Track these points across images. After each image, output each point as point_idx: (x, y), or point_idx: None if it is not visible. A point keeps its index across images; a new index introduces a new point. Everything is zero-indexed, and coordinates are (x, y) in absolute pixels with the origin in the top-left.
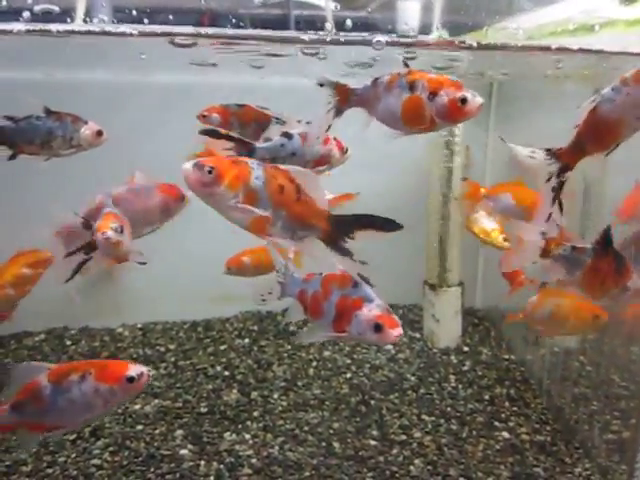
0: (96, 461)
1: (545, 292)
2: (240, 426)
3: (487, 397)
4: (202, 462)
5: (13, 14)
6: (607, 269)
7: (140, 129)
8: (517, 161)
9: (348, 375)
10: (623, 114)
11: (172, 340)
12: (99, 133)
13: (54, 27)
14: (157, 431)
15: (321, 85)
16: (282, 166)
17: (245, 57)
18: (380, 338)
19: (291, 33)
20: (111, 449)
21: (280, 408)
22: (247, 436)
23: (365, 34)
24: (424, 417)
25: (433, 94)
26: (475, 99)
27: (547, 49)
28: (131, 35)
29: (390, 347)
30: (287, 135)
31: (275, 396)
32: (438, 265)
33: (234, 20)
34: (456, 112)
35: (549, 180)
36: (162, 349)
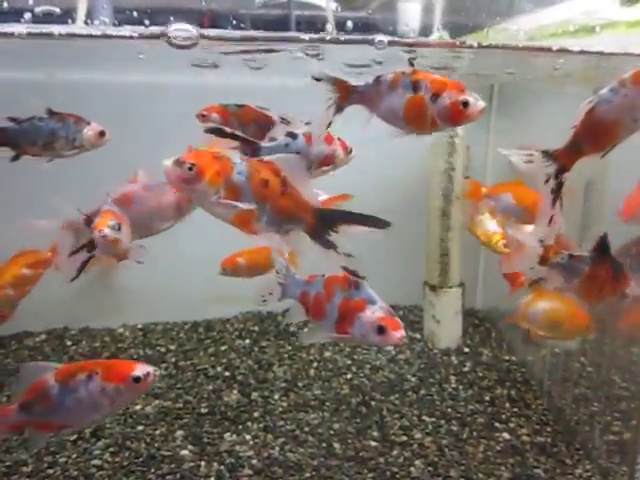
0: (97, 461)
1: (538, 293)
2: (240, 427)
3: (488, 398)
4: (202, 463)
5: (14, 14)
6: (605, 276)
7: (141, 129)
8: (516, 167)
9: (349, 376)
10: (620, 115)
11: (173, 340)
12: (102, 134)
13: (55, 29)
14: (157, 432)
15: (318, 80)
16: (267, 157)
17: (245, 57)
18: (383, 340)
19: (291, 34)
20: (112, 450)
21: (281, 409)
22: (247, 437)
23: (366, 35)
24: (425, 418)
25: (435, 95)
26: (477, 103)
27: (548, 50)
28: (131, 38)
29: (390, 348)
30: (292, 135)
31: (276, 397)
32: (439, 266)
33: (234, 21)
34: (457, 115)
35: (547, 182)
36: (163, 349)
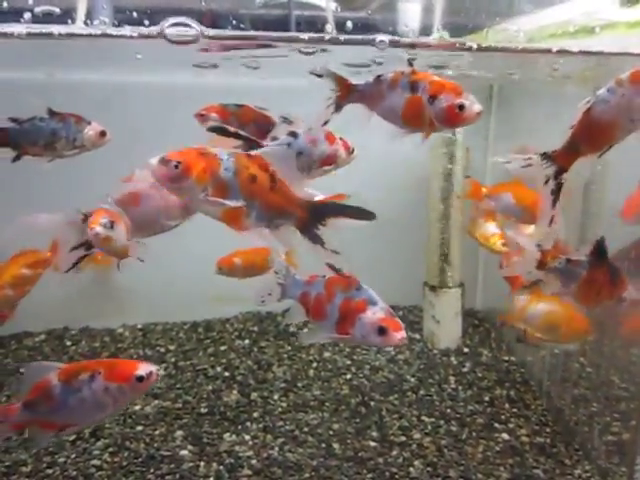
0: (96, 462)
1: (534, 294)
2: (240, 427)
3: (487, 398)
4: (202, 463)
5: (14, 14)
6: (602, 281)
7: (141, 129)
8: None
9: (348, 376)
10: (617, 115)
11: (172, 341)
12: (102, 134)
13: (55, 29)
14: (157, 432)
15: (319, 76)
16: (255, 152)
17: (245, 57)
18: (384, 341)
19: (292, 34)
20: (111, 450)
21: (280, 409)
22: (247, 437)
23: (366, 35)
24: (424, 418)
25: (433, 97)
26: (473, 106)
27: (547, 51)
28: (131, 37)
29: (390, 348)
30: (293, 134)
31: (275, 397)
32: (438, 266)
33: (234, 21)
34: (454, 117)
35: (547, 183)
36: (162, 350)
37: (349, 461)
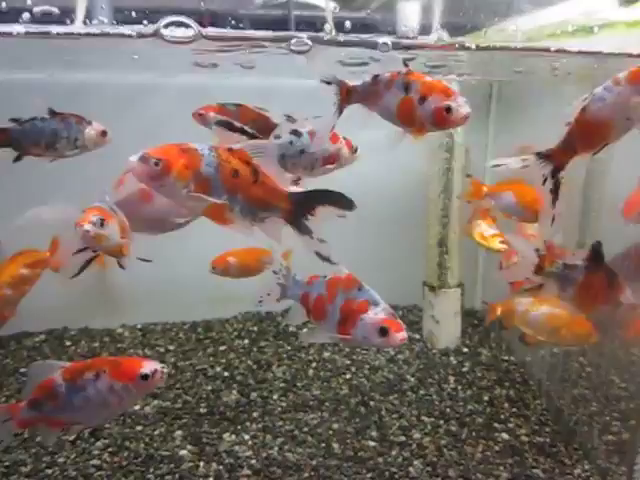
0: (95, 462)
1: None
2: (239, 427)
3: (486, 398)
4: (201, 463)
5: (13, 14)
6: (599, 285)
7: (141, 128)
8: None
9: (347, 376)
10: (613, 114)
11: (172, 341)
12: (103, 133)
13: (53, 29)
14: (156, 432)
15: (328, 83)
16: (236, 145)
17: (245, 57)
18: (385, 342)
19: (291, 34)
20: (110, 450)
21: (279, 409)
22: (246, 437)
23: (365, 35)
24: (423, 418)
25: (422, 99)
26: (460, 110)
27: (546, 51)
28: (130, 37)
29: (390, 348)
30: (296, 133)
31: (275, 397)
32: (438, 266)
33: (234, 21)
34: (441, 120)
35: (545, 182)
36: (162, 350)
37: (349, 461)
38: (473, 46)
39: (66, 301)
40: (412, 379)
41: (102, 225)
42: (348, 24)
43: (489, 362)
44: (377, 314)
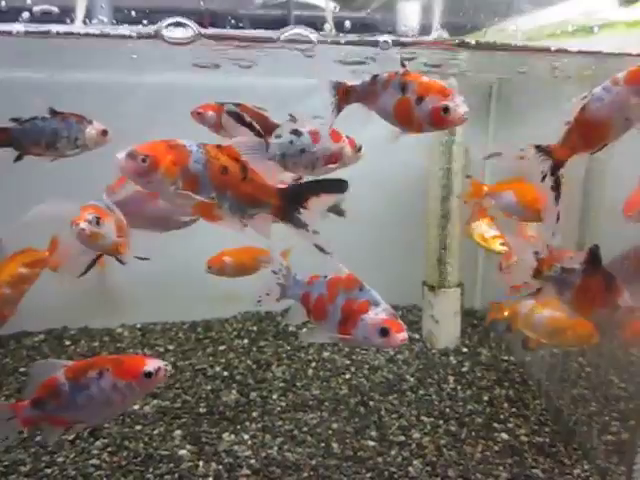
0: (95, 461)
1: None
2: (239, 426)
3: (486, 398)
4: (201, 462)
5: (13, 14)
6: (596, 289)
7: (141, 128)
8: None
9: (347, 376)
10: (612, 114)
11: (171, 340)
12: (104, 133)
13: (53, 28)
14: (156, 431)
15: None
16: (227, 142)
17: (245, 57)
18: (386, 342)
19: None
20: (110, 449)
21: (279, 409)
22: (246, 436)
23: (365, 35)
24: (423, 418)
25: (419, 99)
26: (457, 110)
27: (546, 50)
28: (130, 37)
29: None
30: (296, 132)
31: (274, 397)
32: (437, 266)
33: (234, 21)
34: (438, 120)
35: (544, 179)
36: (161, 349)
37: (348, 461)
38: (472, 42)
39: (66, 301)
40: (412, 379)
41: (98, 223)
42: (348, 24)
43: (489, 362)
44: (378, 314)
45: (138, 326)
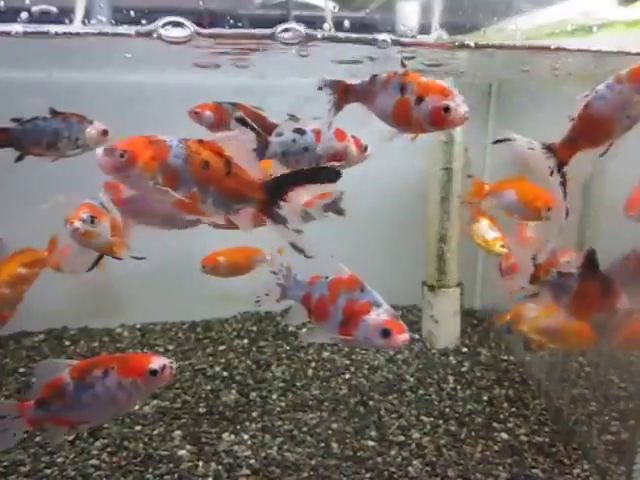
0: (94, 461)
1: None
2: (239, 427)
3: (486, 398)
4: (200, 463)
5: (11, 14)
6: (594, 293)
7: (141, 128)
8: (519, 153)
9: (347, 376)
10: (614, 111)
11: (171, 340)
12: (105, 132)
13: (52, 28)
14: (155, 431)
15: (320, 89)
16: (209, 137)
17: (244, 56)
18: (387, 343)
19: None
20: (109, 449)
21: (279, 409)
22: (245, 437)
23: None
24: (423, 418)
25: (419, 99)
26: (458, 109)
27: (546, 49)
28: (129, 36)
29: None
30: (299, 131)
31: (274, 397)
32: (437, 266)
33: (233, 21)
34: (439, 120)
35: (552, 174)
36: (161, 349)
37: (348, 460)
38: (472, 43)
39: (65, 301)
40: (411, 379)
41: (92, 222)
42: (347, 24)
43: (488, 362)
44: (379, 315)
45: (138, 326)
